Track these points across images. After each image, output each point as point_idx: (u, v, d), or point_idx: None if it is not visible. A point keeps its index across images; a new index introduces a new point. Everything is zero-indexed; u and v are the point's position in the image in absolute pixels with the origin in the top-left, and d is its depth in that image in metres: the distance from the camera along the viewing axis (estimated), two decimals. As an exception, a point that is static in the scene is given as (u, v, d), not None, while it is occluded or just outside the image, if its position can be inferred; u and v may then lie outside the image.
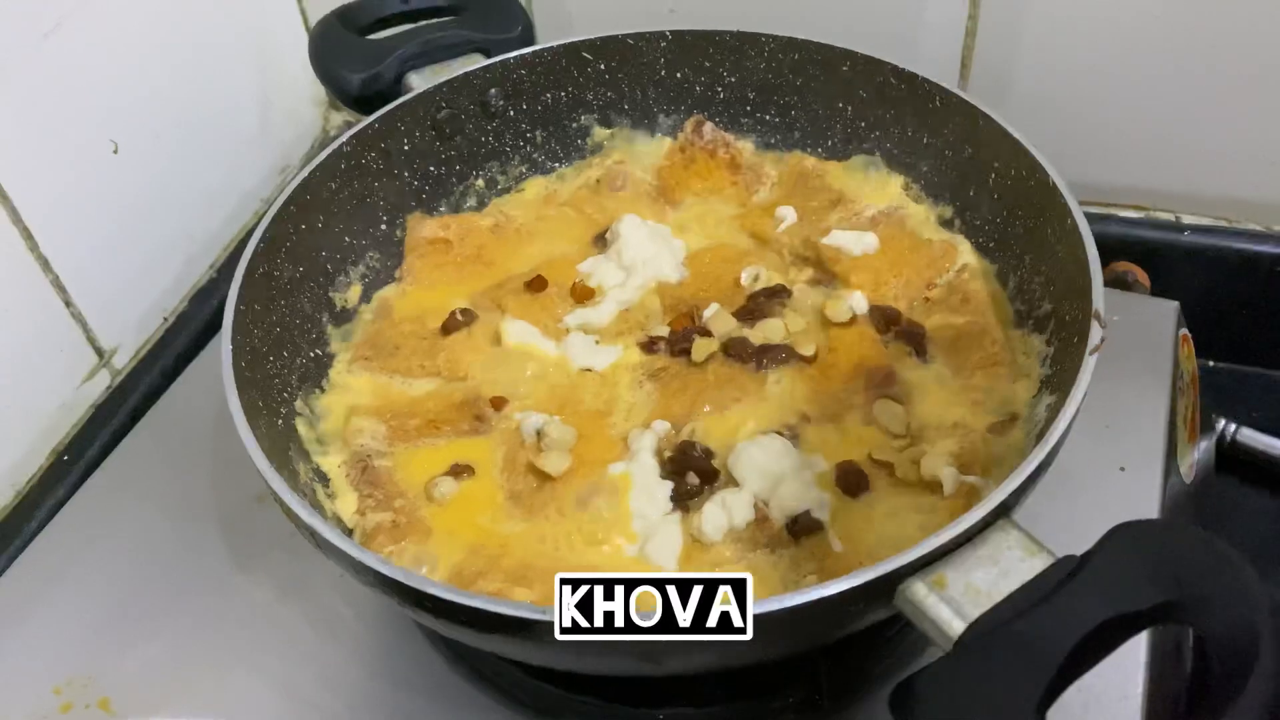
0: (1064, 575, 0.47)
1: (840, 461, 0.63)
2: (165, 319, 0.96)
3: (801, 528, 0.60)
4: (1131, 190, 0.96)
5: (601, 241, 0.81)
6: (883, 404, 0.65)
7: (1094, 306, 0.58)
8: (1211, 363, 0.98)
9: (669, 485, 0.63)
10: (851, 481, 0.61)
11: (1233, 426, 0.92)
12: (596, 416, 0.68)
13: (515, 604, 0.47)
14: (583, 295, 0.76)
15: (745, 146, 0.85)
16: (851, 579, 0.47)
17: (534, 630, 0.48)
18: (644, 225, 0.79)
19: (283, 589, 0.72)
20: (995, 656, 0.45)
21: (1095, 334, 0.57)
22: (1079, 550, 0.48)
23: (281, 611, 0.71)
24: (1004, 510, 0.50)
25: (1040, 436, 0.55)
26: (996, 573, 0.48)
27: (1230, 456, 0.92)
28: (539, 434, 0.65)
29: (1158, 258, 0.95)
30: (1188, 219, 0.96)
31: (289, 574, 0.72)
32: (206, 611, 0.71)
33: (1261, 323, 0.97)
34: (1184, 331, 0.83)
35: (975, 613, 0.47)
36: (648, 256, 0.77)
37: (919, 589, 0.48)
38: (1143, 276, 0.91)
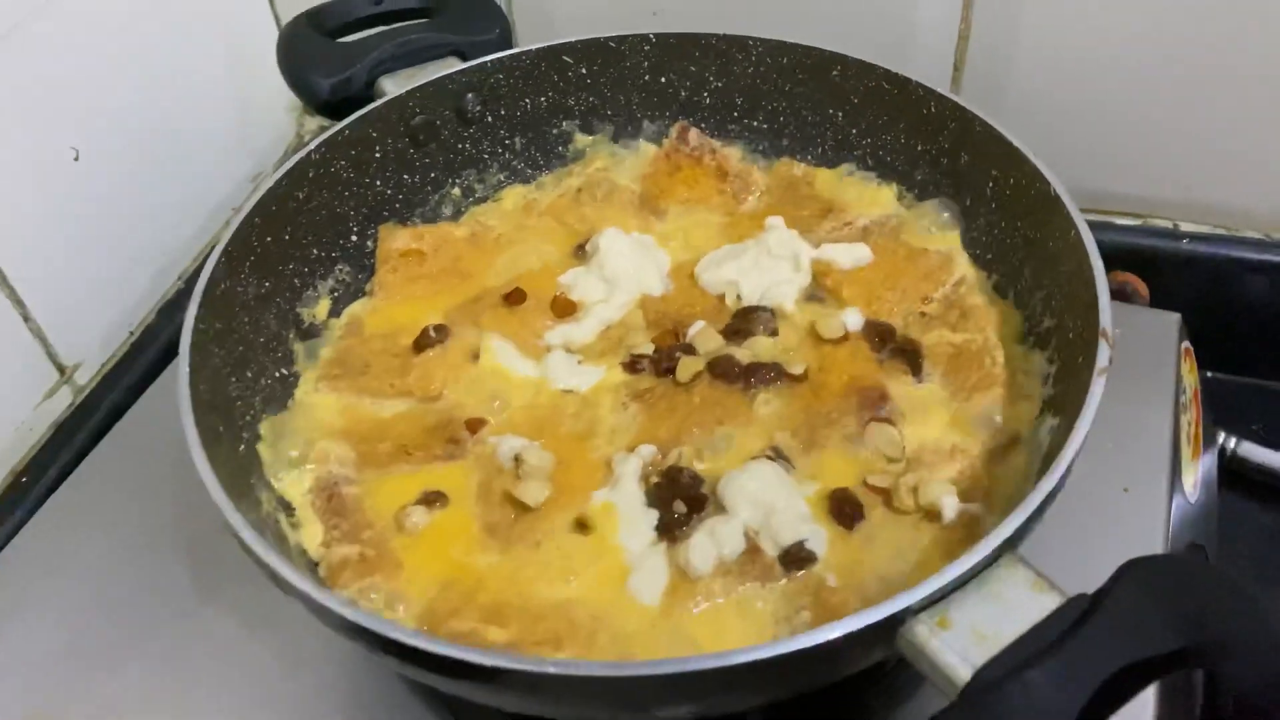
0: (1075, 617, 0.44)
1: (834, 490, 0.60)
2: (131, 333, 0.93)
3: (794, 559, 0.57)
4: (1127, 197, 0.94)
5: (582, 253, 0.78)
6: (877, 428, 0.62)
7: (1101, 325, 0.55)
8: (1210, 373, 0.96)
9: (654, 514, 0.60)
10: (846, 513, 0.58)
11: (1233, 440, 0.90)
12: (578, 440, 0.65)
13: (484, 652, 0.44)
14: (564, 309, 0.73)
15: (732, 153, 0.83)
16: (850, 623, 0.44)
17: (504, 679, 0.45)
18: (627, 237, 0.76)
19: (250, 622, 0.69)
20: (1004, 709, 0.42)
21: (1103, 354, 0.54)
22: (1087, 581, 0.46)
23: (248, 646, 0.68)
24: (1010, 545, 0.47)
25: (1045, 461, 0.52)
26: (1002, 613, 0.46)
27: (1231, 471, 0.89)
28: (516, 460, 0.62)
29: (1155, 266, 0.92)
30: (1186, 227, 0.93)
31: (257, 606, 0.69)
32: (170, 646, 0.68)
33: (1261, 333, 0.95)
34: (1186, 345, 0.81)
35: (981, 658, 0.44)
36: (631, 270, 0.74)
37: (921, 631, 0.46)
38: (1141, 287, 0.89)
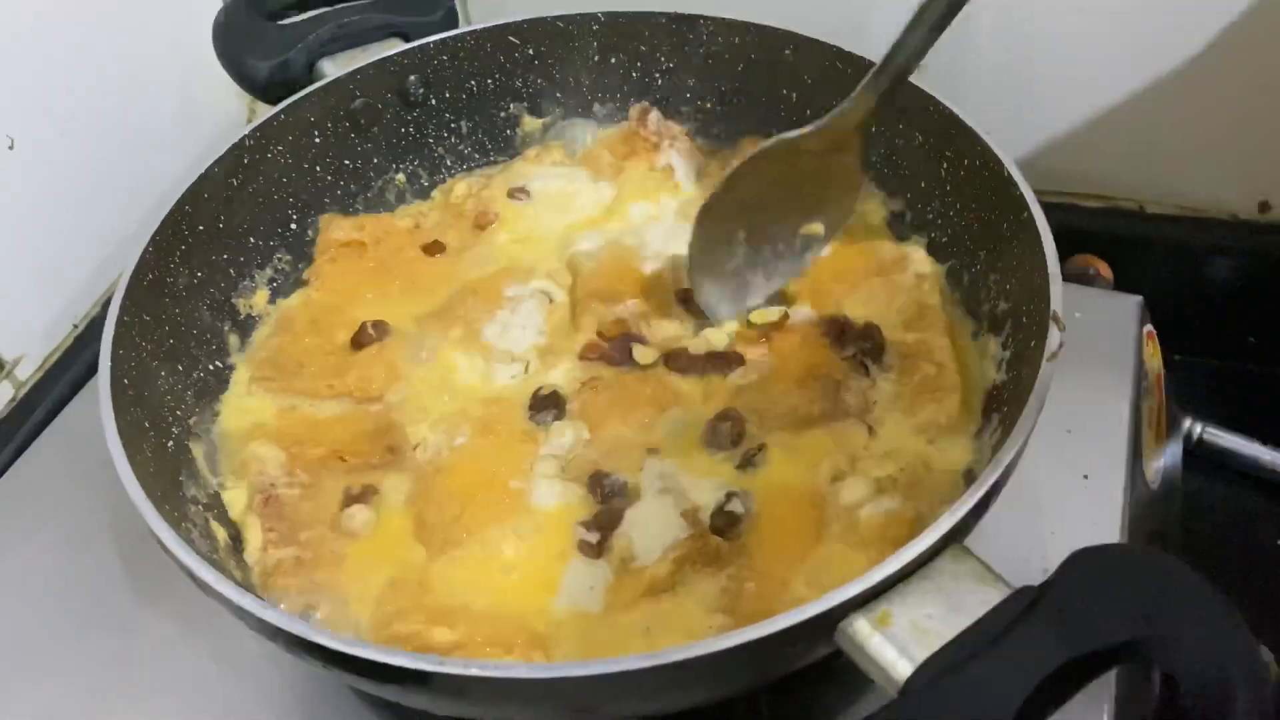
0: (1019, 610, 0.43)
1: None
2: (75, 325, 0.89)
3: (725, 525, 0.56)
4: (1093, 179, 0.92)
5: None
6: (840, 424, 0.60)
7: (1052, 308, 0.54)
8: (1177, 356, 0.95)
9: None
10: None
11: (1199, 425, 0.88)
12: (521, 437, 0.63)
13: (405, 654, 0.43)
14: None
15: (685, 142, 0.80)
16: (786, 619, 0.43)
17: (431, 683, 0.43)
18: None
19: (188, 624, 0.66)
20: (944, 706, 0.41)
21: (1054, 338, 0.52)
22: (1042, 572, 0.44)
23: (186, 649, 0.65)
24: (953, 537, 0.46)
25: (994, 450, 0.50)
26: (947, 607, 0.44)
27: (1198, 456, 0.88)
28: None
29: (1120, 249, 0.91)
30: (1152, 209, 0.92)
31: (195, 608, 0.66)
32: (105, 650, 0.66)
33: (1228, 314, 0.93)
34: (1148, 328, 0.79)
35: (922, 654, 0.43)
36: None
37: (861, 627, 0.44)
38: (1105, 270, 0.87)
